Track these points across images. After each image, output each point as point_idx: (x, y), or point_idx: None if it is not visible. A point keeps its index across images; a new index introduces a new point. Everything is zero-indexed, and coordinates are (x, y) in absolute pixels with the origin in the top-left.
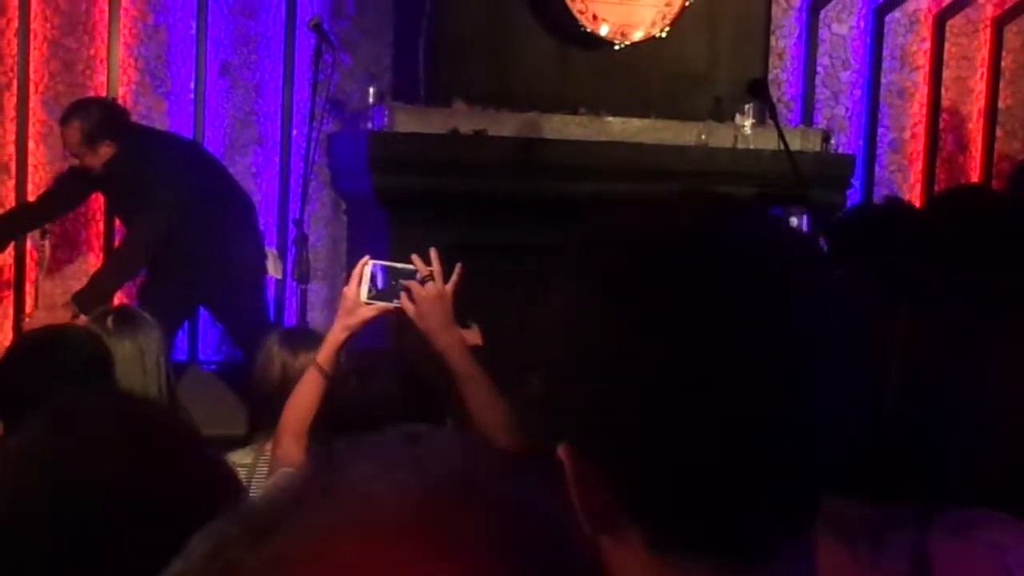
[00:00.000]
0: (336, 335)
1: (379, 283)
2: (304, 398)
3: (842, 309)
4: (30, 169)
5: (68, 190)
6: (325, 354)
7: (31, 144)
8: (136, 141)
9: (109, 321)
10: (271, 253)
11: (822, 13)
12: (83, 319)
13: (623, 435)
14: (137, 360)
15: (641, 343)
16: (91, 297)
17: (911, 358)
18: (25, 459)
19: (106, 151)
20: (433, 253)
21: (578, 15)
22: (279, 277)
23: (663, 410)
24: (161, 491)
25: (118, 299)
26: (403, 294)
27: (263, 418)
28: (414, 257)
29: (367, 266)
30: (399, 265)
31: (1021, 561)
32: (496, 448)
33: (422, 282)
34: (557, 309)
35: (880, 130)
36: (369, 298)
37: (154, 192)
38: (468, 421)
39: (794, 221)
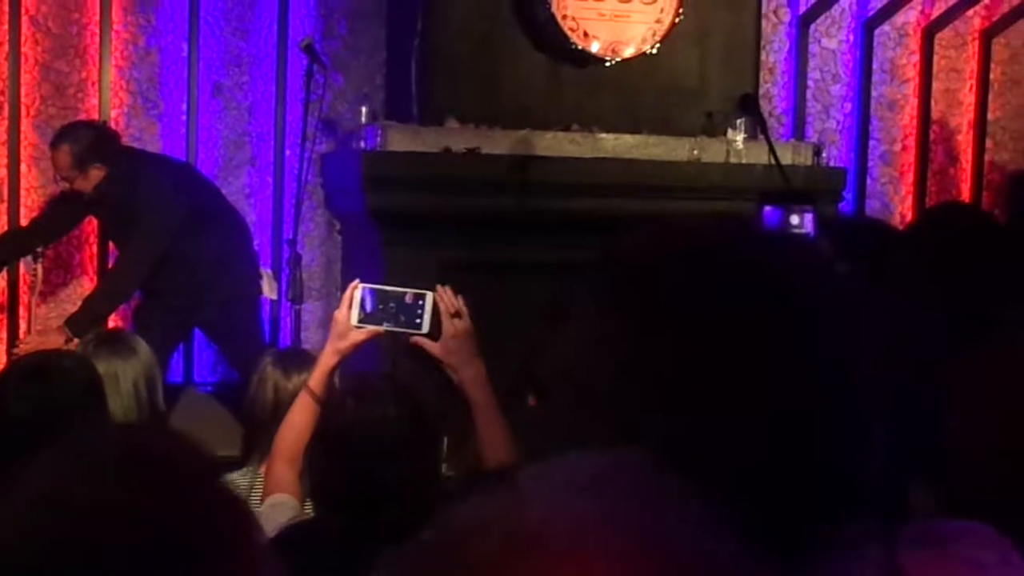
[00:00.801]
0: (327, 359)
1: (368, 307)
2: (296, 422)
3: (857, 324)
4: (23, 192)
5: (61, 214)
6: (316, 378)
7: (23, 167)
8: (127, 164)
9: (90, 346)
10: (266, 274)
11: (812, 27)
12: (76, 343)
13: (647, 449)
14: (111, 383)
15: (658, 362)
16: (84, 321)
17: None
18: (31, 503)
19: (96, 174)
20: (450, 290)
21: (569, 32)
22: (274, 298)
23: (684, 424)
24: (166, 524)
25: (113, 321)
26: (415, 333)
27: (257, 440)
28: (441, 289)
29: (357, 290)
30: (389, 288)
31: None
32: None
33: (453, 316)
34: (578, 334)
35: (871, 143)
36: (359, 322)
37: (145, 215)
38: (465, 445)
39: (795, 220)
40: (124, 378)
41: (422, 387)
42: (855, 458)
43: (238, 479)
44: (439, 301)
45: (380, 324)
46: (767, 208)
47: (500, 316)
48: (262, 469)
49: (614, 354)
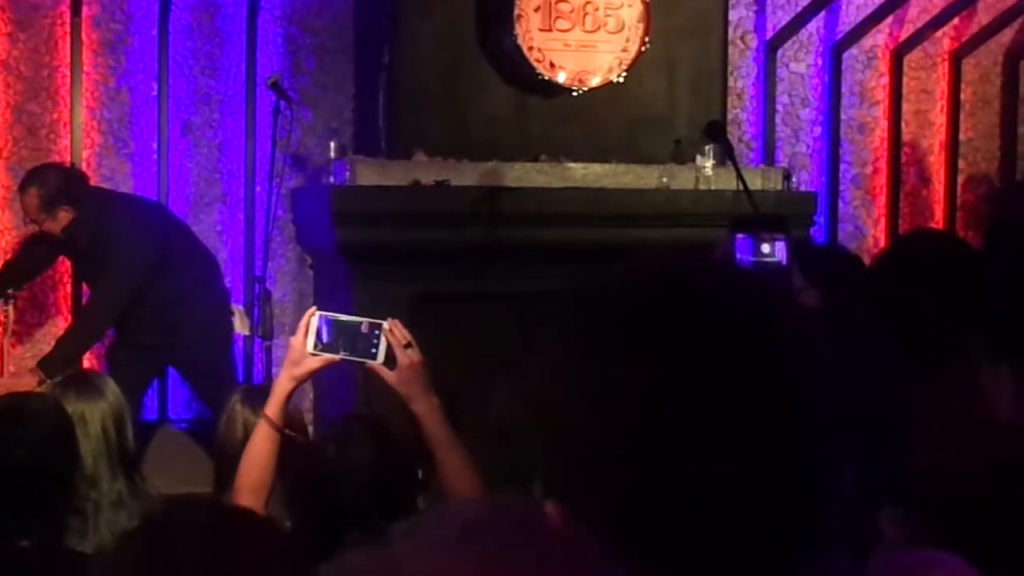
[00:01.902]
0: (283, 384)
1: (325, 335)
2: (257, 453)
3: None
4: None
5: (34, 255)
6: (273, 406)
7: None
8: (95, 206)
9: (58, 388)
10: (238, 310)
11: (779, 52)
12: (49, 384)
13: (609, 488)
14: (79, 424)
15: (620, 400)
16: (56, 362)
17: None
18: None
19: (65, 216)
20: (397, 322)
21: (535, 63)
22: (246, 334)
23: (644, 464)
24: None
25: (88, 360)
26: (371, 362)
27: (230, 477)
28: (392, 321)
29: (314, 317)
30: (345, 318)
31: None
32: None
33: (405, 347)
34: (544, 369)
35: (842, 166)
36: (315, 350)
37: (114, 256)
38: (441, 482)
39: (767, 248)
40: (92, 419)
41: (396, 421)
42: (825, 491)
43: None
44: (389, 334)
45: (336, 352)
46: (739, 236)
47: (472, 347)
48: None
49: (576, 390)
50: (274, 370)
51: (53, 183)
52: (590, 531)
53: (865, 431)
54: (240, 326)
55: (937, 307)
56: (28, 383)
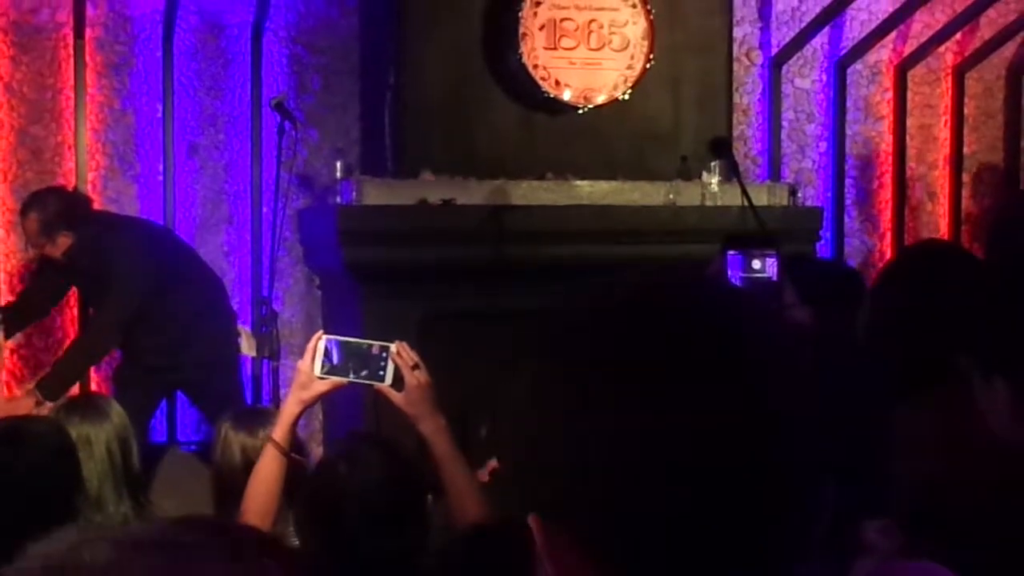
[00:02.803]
0: (291, 408)
1: (333, 358)
2: (265, 477)
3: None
4: (2, 258)
5: (43, 290)
6: (281, 430)
7: (2, 233)
8: (95, 229)
9: (62, 411)
10: (244, 331)
11: (784, 68)
12: (48, 407)
13: (590, 501)
14: (84, 447)
15: (598, 412)
16: (54, 385)
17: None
18: None
19: (64, 241)
20: (404, 344)
21: (541, 82)
22: (254, 355)
23: (625, 475)
24: None
25: (95, 381)
26: (378, 384)
27: (234, 502)
28: (399, 344)
29: (321, 341)
30: (352, 340)
31: None
32: None
33: (413, 368)
34: (523, 386)
35: (847, 181)
36: (323, 373)
37: (114, 279)
38: (447, 502)
39: (757, 264)
40: (97, 442)
41: (404, 441)
42: (802, 505)
43: None
44: (397, 356)
45: (344, 375)
46: (730, 253)
47: (480, 365)
48: None
49: (551, 408)
50: (282, 391)
51: (52, 208)
52: (569, 545)
53: (846, 446)
54: (247, 347)
55: (935, 323)
56: (26, 406)
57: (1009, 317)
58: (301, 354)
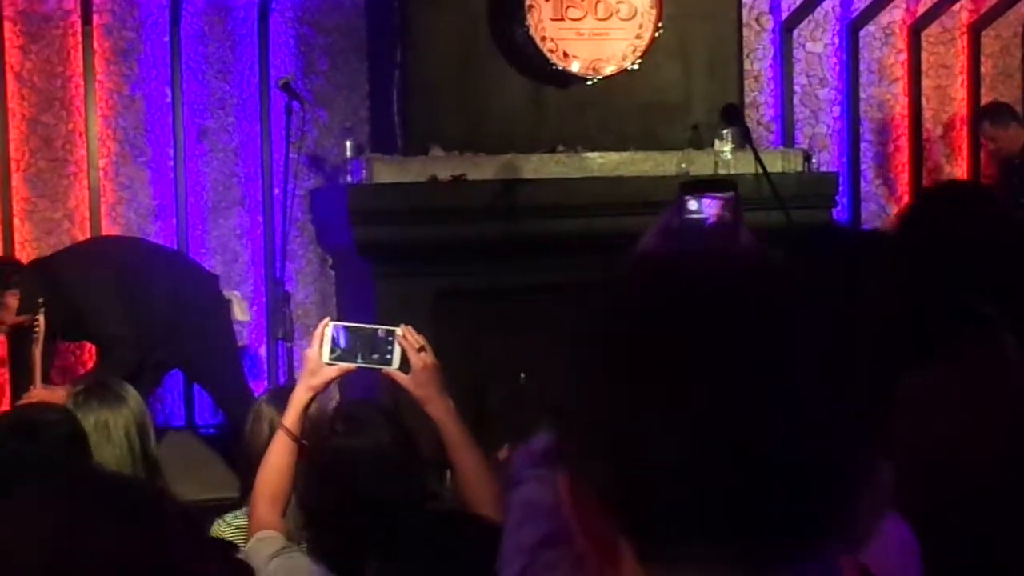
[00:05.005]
0: (300, 396)
1: (340, 344)
2: (276, 462)
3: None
4: (17, 247)
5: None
6: (291, 416)
7: (16, 222)
8: (39, 276)
9: (79, 397)
10: (235, 297)
11: (795, 32)
12: (64, 392)
13: (620, 458)
14: (102, 432)
15: (622, 380)
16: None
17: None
18: (17, 532)
19: (12, 299)
20: (410, 328)
21: (548, 54)
22: (247, 319)
23: (654, 433)
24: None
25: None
26: (386, 368)
27: (254, 479)
28: (405, 327)
29: (328, 327)
30: (359, 326)
31: None
32: None
33: (419, 351)
34: (568, 352)
35: (863, 145)
36: (331, 359)
37: (97, 325)
38: (456, 483)
39: (693, 205)
40: (115, 427)
41: (419, 424)
42: (845, 472)
43: (239, 520)
44: (402, 339)
45: (352, 361)
46: (684, 197)
47: (495, 341)
48: None
49: (586, 371)
50: (297, 372)
51: None
52: (597, 500)
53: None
54: (240, 312)
55: (956, 273)
56: (60, 397)
57: None
58: None
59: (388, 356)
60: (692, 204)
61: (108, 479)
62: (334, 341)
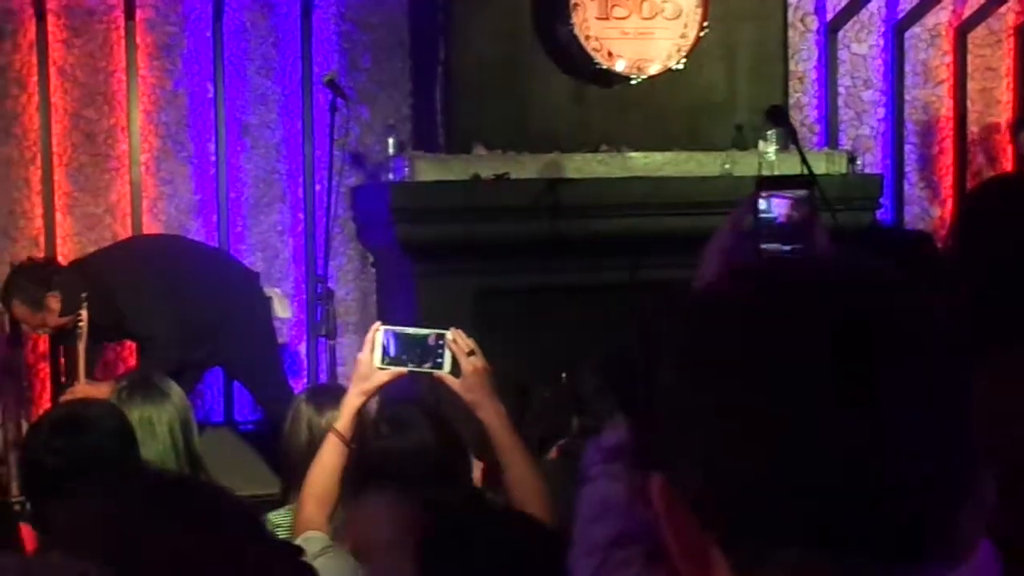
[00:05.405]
0: (352, 400)
1: (391, 349)
2: (326, 464)
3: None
4: (58, 241)
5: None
6: (343, 420)
7: (58, 216)
8: (83, 278)
9: (123, 392)
10: (275, 293)
11: (840, 34)
12: (107, 388)
13: (719, 463)
14: (146, 428)
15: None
16: None
17: None
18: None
19: (53, 302)
20: (460, 332)
21: (593, 53)
22: (288, 316)
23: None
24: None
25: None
26: (437, 372)
27: (296, 477)
28: (456, 331)
29: (379, 332)
30: (410, 331)
31: None
32: None
33: (469, 355)
34: (668, 362)
35: (907, 147)
36: (383, 363)
37: (139, 326)
38: (506, 486)
39: (762, 205)
40: (159, 423)
41: (453, 415)
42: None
43: (281, 518)
44: (452, 344)
45: (403, 365)
46: (760, 195)
47: (536, 341)
48: None
49: (680, 378)
50: (338, 369)
51: (22, 283)
52: (697, 514)
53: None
54: (280, 309)
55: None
56: (104, 393)
57: None
58: (356, 332)
59: (439, 360)
60: (761, 203)
61: (166, 475)
62: (385, 345)
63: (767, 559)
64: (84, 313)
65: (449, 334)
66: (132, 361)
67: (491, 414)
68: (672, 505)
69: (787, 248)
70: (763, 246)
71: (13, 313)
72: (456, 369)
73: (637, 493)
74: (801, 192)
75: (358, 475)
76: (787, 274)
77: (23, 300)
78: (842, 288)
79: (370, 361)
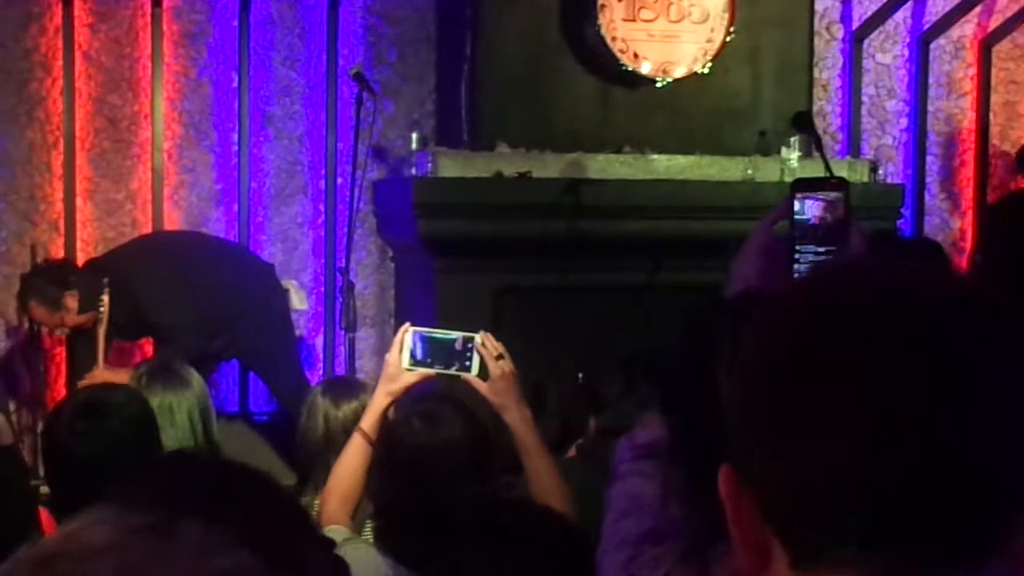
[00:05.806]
0: (379, 400)
1: (419, 351)
2: (350, 464)
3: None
4: (79, 226)
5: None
6: (369, 420)
7: (79, 201)
8: (100, 275)
9: (143, 378)
10: (292, 285)
11: (866, 43)
12: (126, 373)
13: (787, 459)
14: (166, 415)
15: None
16: None
17: None
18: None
19: (71, 301)
20: (489, 335)
21: (619, 54)
22: (304, 308)
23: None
24: None
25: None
26: (465, 375)
27: (312, 470)
28: (484, 335)
29: (408, 334)
30: (439, 333)
31: None
32: None
33: (497, 359)
34: (746, 357)
35: (929, 158)
36: (410, 365)
37: (154, 316)
38: (531, 489)
39: (805, 207)
40: (179, 410)
41: (482, 411)
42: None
43: None
44: (481, 347)
45: (431, 367)
46: (796, 196)
47: (555, 339)
48: (318, 499)
49: (748, 381)
50: (358, 362)
51: (39, 284)
52: (760, 508)
53: None
54: (298, 301)
55: None
56: (121, 378)
57: None
58: (373, 326)
59: (467, 363)
60: (796, 205)
61: (206, 457)
62: (413, 347)
63: (823, 556)
64: (106, 299)
65: (478, 337)
66: (148, 349)
67: (517, 418)
68: (737, 496)
69: (821, 250)
70: (797, 247)
71: (31, 315)
72: (484, 372)
73: (670, 491)
74: (835, 194)
75: (391, 470)
76: (870, 280)
77: (41, 301)
78: (927, 296)
79: (398, 362)
